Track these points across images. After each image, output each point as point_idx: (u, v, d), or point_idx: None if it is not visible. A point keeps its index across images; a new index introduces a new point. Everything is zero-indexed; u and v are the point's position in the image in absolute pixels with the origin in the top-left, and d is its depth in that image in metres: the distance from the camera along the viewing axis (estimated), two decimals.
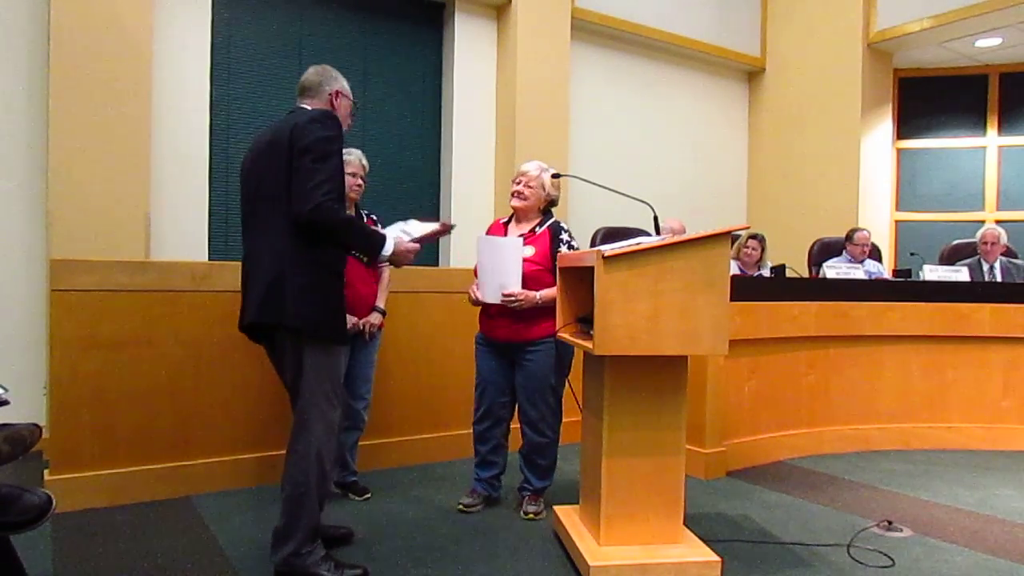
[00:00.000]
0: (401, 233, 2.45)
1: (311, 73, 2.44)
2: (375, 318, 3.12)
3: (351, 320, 2.97)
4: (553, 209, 3.13)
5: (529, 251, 2.92)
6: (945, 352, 4.34)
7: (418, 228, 2.52)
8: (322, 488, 2.29)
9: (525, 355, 2.95)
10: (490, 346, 3.04)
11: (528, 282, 2.86)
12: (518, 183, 3.01)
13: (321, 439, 2.25)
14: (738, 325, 3.55)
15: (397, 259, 2.35)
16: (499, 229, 3.12)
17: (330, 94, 2.42)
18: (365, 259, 2.20)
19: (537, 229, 3.00)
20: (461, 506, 3.04)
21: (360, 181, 3.10)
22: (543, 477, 3.06)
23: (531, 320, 2.91)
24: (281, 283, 2.17)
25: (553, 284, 2.85)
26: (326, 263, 2.26)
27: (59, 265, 3.02)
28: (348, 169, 3.03)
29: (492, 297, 2.88)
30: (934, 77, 6.87)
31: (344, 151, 3.02)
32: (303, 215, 2.12)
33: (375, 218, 3.25)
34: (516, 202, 3.02)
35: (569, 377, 3.00)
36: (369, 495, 3.19)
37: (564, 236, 2.97)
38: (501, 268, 2.86)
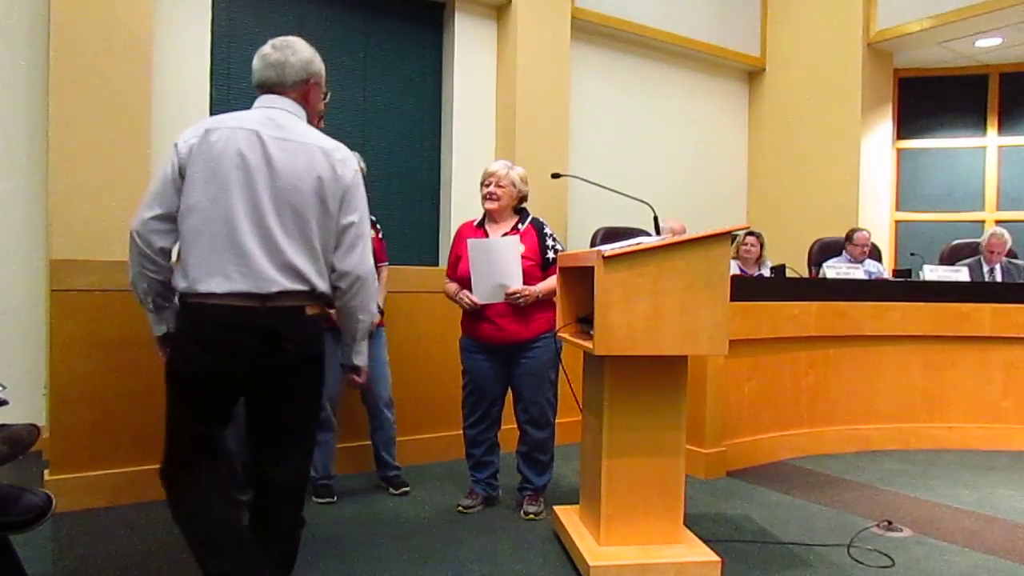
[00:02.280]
0: None
1: None
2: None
3: None
4: (544, 207, 3.13)
5: (521, 248, 2.93)
6: (945, 352, 4.34)
7: None
8: None
9: (526, 353, 2.94)
10: (481, 349, 3.00)
11: (524, 278, 2.88)
12: (488, 185, 3.00)
13: None
14: (738, 325, 3.54)
15: None
16: (473, 231, 3.06)
17: None
18: None
19: (520, 227, 3.01)
20: (460, 508, 3.04)
21: None
22: (543, 472, 3.06)
23: (528, 318, 2.92)
24: None
25: (542, 278, 2.92)
26: None
27: (59, 265, 3.02)
28: None
29: (491, 298, 2.88)
30: (934, 77, 6.87)
31: None
32: None
33: (374, 219, 3.24)
34: (491, 204, 3.00)
35: (569, 377, 2.99)
36: (408, 488, 3.26)
37: (548, 230, 3.03)
38: (500, 268, 2.86)
